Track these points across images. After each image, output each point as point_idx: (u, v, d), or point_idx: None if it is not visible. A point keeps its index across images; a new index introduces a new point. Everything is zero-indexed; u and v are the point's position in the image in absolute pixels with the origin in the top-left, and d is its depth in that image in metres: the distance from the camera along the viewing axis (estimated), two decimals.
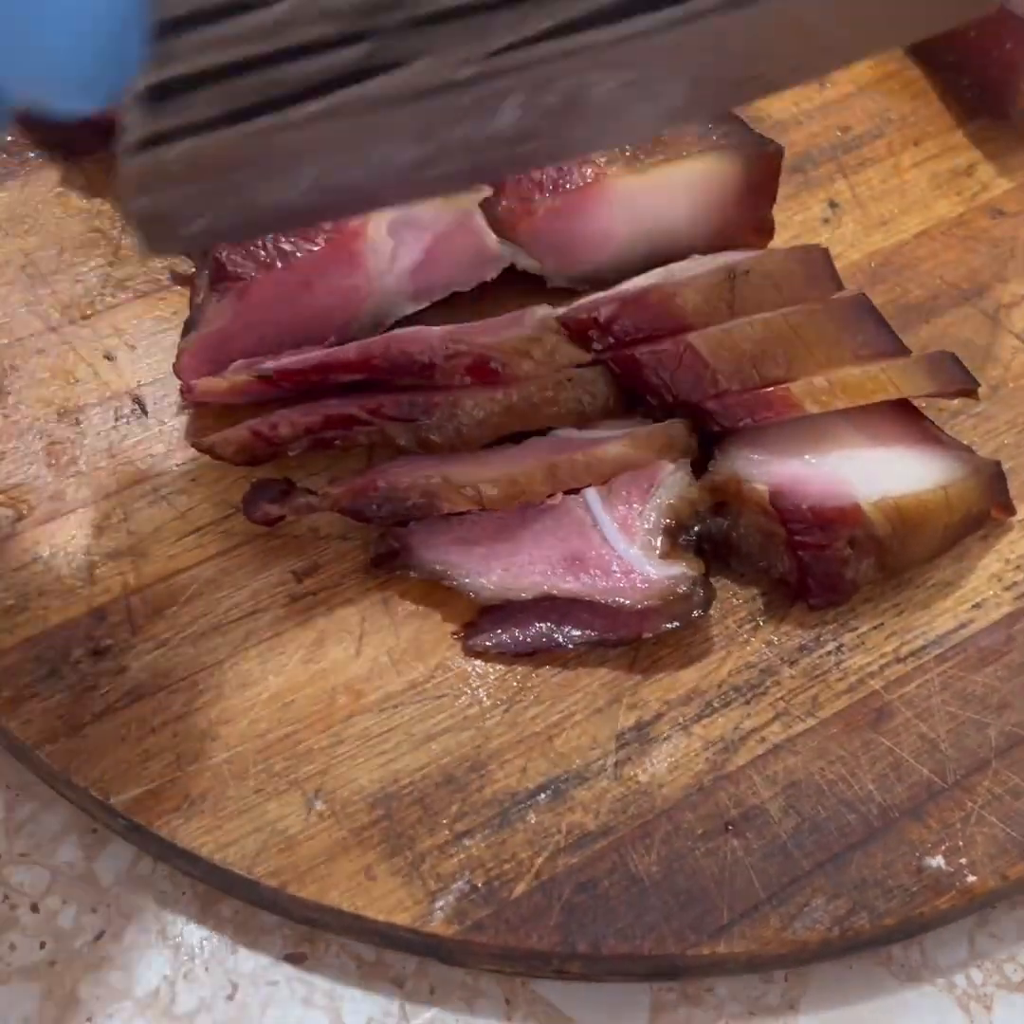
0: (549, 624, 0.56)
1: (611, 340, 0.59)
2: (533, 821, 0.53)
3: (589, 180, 0.61)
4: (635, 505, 0.57)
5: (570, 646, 0.56)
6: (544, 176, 0.61)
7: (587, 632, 0.56)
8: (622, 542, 0.57)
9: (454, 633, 0.57)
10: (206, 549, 0.58)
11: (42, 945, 0.52)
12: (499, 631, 0.56)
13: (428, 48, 0.47)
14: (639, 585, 0.56)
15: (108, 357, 0.63)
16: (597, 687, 0.56)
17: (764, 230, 0.66)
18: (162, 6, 0.42)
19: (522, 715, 0.55)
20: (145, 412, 0.62)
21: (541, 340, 0.59)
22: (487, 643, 0.56)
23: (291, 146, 0.48)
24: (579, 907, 0.51)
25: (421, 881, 0.51)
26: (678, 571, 0.56)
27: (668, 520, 0.57)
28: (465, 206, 0.61)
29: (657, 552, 0.56)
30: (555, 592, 0.56)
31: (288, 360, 0.58)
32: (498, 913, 0.51)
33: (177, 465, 0.60)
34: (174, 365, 0.60)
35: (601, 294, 0.61)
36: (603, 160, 0.62)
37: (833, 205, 0.71)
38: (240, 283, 0.58)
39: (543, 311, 0.60)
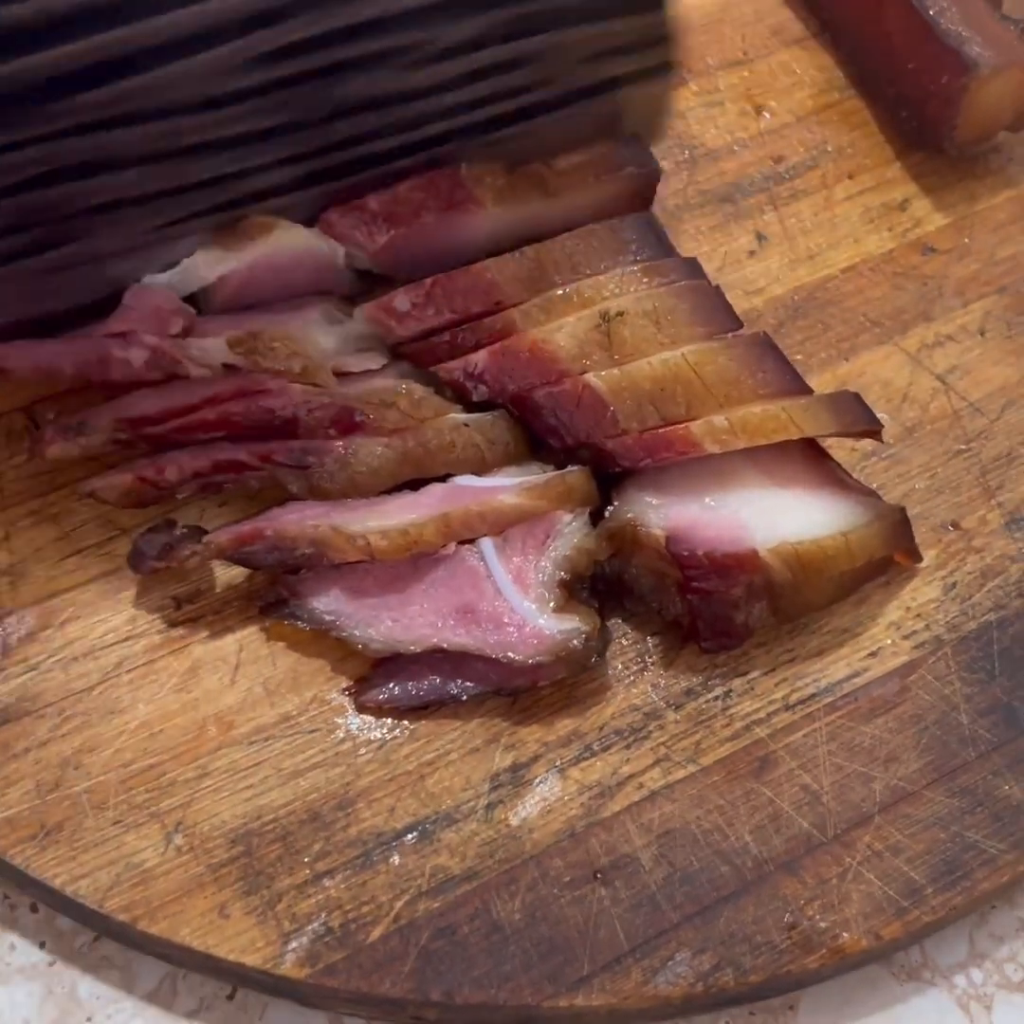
0: (442, 677, 0.55)
1: (485, 389, 0.58)
2: (397, 863, 0.52)
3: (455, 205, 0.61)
4: (530, 556, 0.56)
5: (464, 698, 0.55)
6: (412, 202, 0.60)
7: (481, 683, 0.55)
8: (516, 595, 0.55)
9: (346, 689, 0.55)
10: (87, 571, 0.57)
11: (42, 945, 0.53)
12: (392, 685, 0.55)
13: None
14: (531, 640, 0.54)
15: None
16: (475, 726, 0.55)
17: None
18: None
19: (396, 752, 0.54)
20: (37, 428, 0.60)
21: (407, 391, 0.57)
22: (380, 697, 0.55)
23: None
24: (436, 954, 0.50)
25: (276, 921, 0.50)
26: (572, 626, 0.54)
27: (563, 573, 0.55)
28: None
29: (551, 606, 0.55)
30: (445, 645, 0.54)
31: (142, 414, 0.57)
32: (352, 957, 0.50)
33: (65, 483, 0.59)
34: None
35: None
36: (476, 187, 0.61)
37: (761, 237, 0.70)
38: None
39: (404, 365, 0.59)
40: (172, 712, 0.54)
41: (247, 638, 0.56)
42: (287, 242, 0.59)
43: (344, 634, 0.55)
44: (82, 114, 0.52)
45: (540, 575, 0.55)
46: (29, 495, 0.59)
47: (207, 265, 0.59)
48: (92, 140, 0.52)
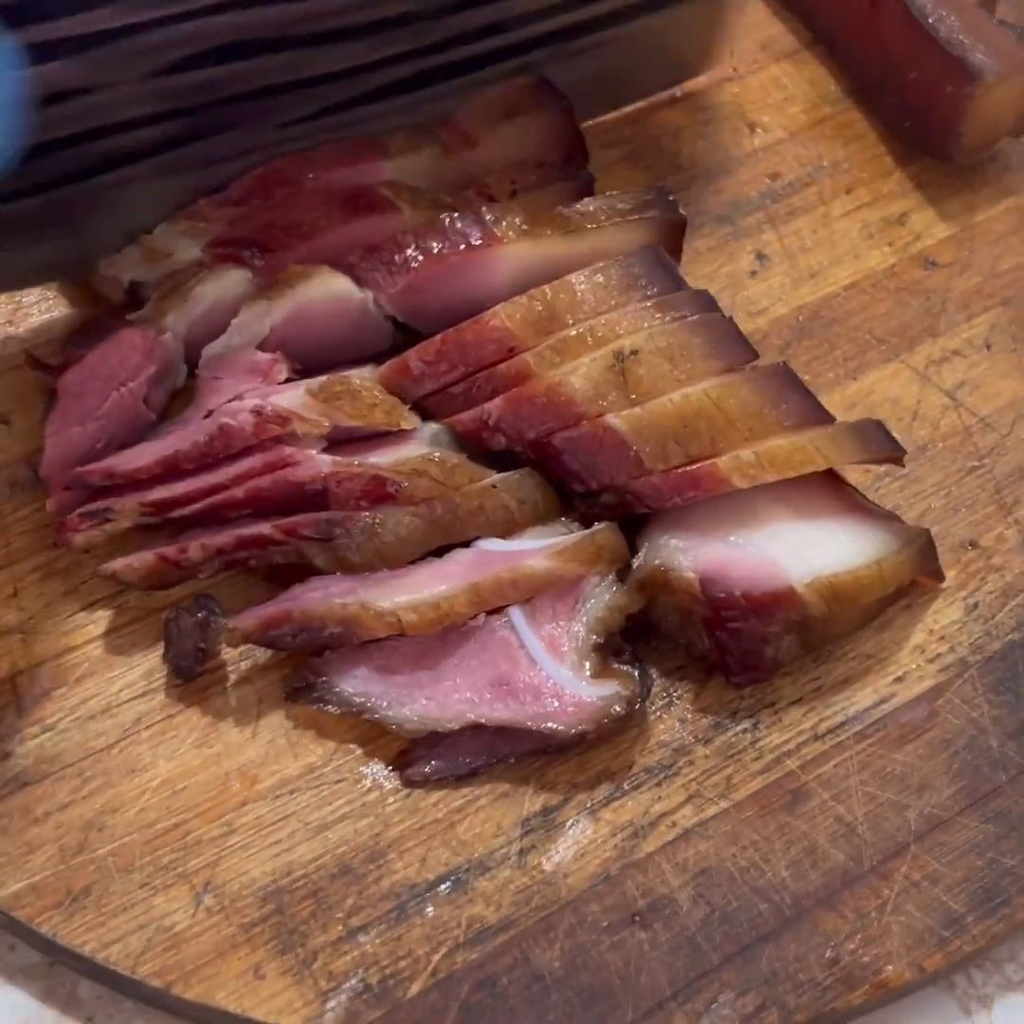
0: (485, 743, 0.54)
1: (502, 438, 0.57)
2: (432, 914, 0.51)
3: (476, 245, 0.60)
4: (562, 623, 0.54)
5: (512, 760, 0.54)
6: (432, 244, 0.59)
7: (526, 744, 0.53)
8: (551, 663, 0.53)
9: (390, 766, 0.54)
10: (99, 625, 0.56)
11: None
12: (436, 757, 0.54)
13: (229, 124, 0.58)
14: (571, 709, 0.53)
15: (2, 421, 0.61)
16: (503, 769, 0.54)
17: None
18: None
19: (424, 800, 0.53)
20: (41, 480, 0.59)
21: (439, 459, 0.56)
22: (425, 770, 0.53)
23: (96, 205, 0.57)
24: (477, 1007, 0.49)
25: (312, 980, 0.49)
26: (611, 690, 0.53)
27: (597, 636, 0.54)
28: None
29: (588, 672, 0.53)
30: (484, 720, 0.53)
31: (168, 496, 0.56)
32: (392, 1014, 0.49)
33: None
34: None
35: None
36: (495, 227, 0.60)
37: (761, 256, 0.70)
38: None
39: (435, 426, 0.58)
40: (194, 768, 0.53)
41: (267, 688, 0.55)
42: (324, 290, 0.59)
43: (377, 716, 0.53)
44: None
45: (574, 641, 0.54)
46: (35, 549, 0.58)
47: (257, 318, 0.59)
48: (236, 18, 0.53)
